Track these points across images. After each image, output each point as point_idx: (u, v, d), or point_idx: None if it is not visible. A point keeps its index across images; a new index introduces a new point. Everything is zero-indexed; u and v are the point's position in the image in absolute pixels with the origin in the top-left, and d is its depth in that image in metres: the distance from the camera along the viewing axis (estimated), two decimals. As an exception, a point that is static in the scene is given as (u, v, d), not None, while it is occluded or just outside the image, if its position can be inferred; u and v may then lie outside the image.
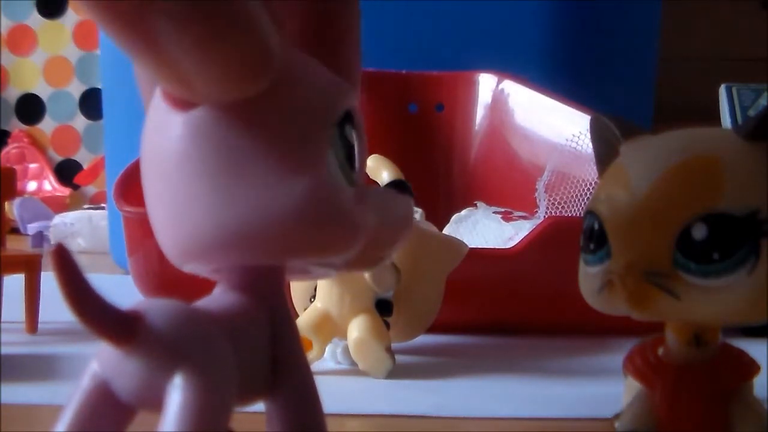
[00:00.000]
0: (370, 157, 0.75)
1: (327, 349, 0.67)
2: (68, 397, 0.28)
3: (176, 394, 0.26)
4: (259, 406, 0.32)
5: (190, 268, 0.31)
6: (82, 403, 0.28)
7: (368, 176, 0.68)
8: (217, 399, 0.27)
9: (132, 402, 0.28)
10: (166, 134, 0.30)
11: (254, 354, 0.30)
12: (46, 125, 2.07)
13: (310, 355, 0.63)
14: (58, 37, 2.06)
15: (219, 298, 0.31)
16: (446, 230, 0.94)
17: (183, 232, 0.30)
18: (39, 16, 2.07)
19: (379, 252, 0.33)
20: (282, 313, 0.32)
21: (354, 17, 0.33)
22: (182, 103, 0.29)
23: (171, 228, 0.30)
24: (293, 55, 0.31)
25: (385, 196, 0.34)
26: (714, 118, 1.03)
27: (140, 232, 0.84)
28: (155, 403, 0.27)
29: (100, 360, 0.28)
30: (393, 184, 0.35)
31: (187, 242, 0.30)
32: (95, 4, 0.25)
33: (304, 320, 0.65)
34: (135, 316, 0.27)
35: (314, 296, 0.67)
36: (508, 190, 1.06)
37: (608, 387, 0.50)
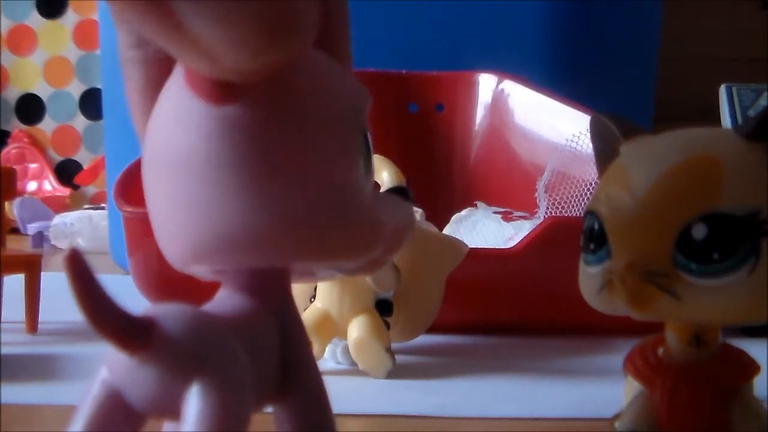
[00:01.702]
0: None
1: (327, 349, 0.67)
2: (78, 405, 0.28)
3: (195, 402, 0.26)
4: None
5: (193, 270, 0.31)
6: (94, 412, 0.27)
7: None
8: (237, 405, 0.27)
9: (146, 410, 0.27)
10: (192, 129, 0.28)
11: (265, 357, 0.30)
12: (46, 125, 2.07)
13: (310, 355, 0.63)
14: (58, 37, 2.06)
15: (226, 301, 0.31)
16: (446, 230, 0.94)
17: (202, 232, 0.29)
18: (39, 16, 2.07)
19: (387, 254, 0.33)
20: (290, 314, 0.32)
21: (344, 18, 0.33)
22: (218, 96, 0.28)
23: (185, 228, 0.29)
24: (324, 56, 0.31)
25: (390, 202, 0.34)
26: (714, 118, 1.03)
27: (140, 232, 0.84)
28: (171, 411, 0.26)
29: (110, 367, 0.27)
30: (394, 191, 0.36)
31: (206, 242, 0.29)
32: None
33: (304, 320, 0.64)
34: (149, 322, 0.27)
35: (314, 296, 0.67)
36: (508, 190, 1.06)
37: (608, 387, 0.50)
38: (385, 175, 0.71)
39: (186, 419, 0.26)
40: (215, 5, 0.25)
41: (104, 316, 0.26)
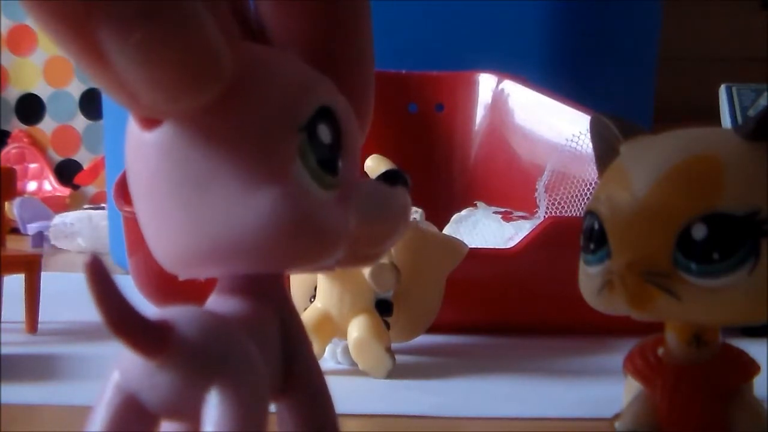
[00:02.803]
0: (370, 157, 0.75)
1: (327, 349, 0.67)
2: (91, 409, 0.27)
3: (216, 404, 0.26)
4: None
5: (185, 276, 0.31)
6: (111, 417, 0.27)
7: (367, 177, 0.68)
8: (256, 406, 0.27)
9: (162, 413, 0.27)
10: (138, 154, 0.30)
11: (272, 355, 0.30)
12: (46, 125, 2.07)
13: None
14: (58, 37, 2.06)
15: (227, 301, 0.31)
16: (446, 230, 0.94)
17: (165, 248, 0.30)
18: (39, 16, 2.07)
19: (373, 248, 0.32)
20: (289, 312, 0.32)
21: (363, 17, 0.33)
22: (147, 123, 0.29)
23: (155, 243, 0.30)
24: (254, 57, 0.30)
25: (375, 192, 0.32)
26: (714, 118, 1.03)
27: (140, 232, 0.84)
28: (188, 414, 0.26)
29: (124, 371, 0.27)
30: (386, 175, 0.33)
31: (170, 256, 0.30)
32: (38, 5, 0.25)
33: (304, 320, 0.64)
34: (166, 326, 0.27)
35: (314, 296, 0.67)
36: (508, 190, 1.06)
37: (608, 387, 0.50)
38: (385, 175, 0.71)
39: (207, 421, 0.26)
40: (139, 46, 0.26)
41: (123, 321, 0.26)
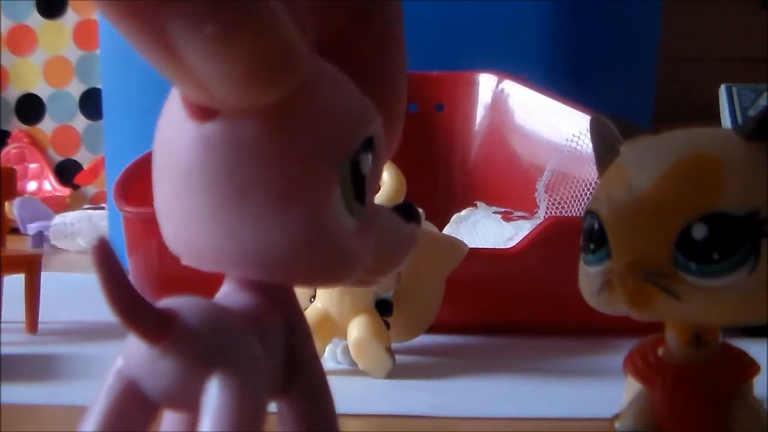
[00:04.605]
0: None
1: (327, 349, 0.67)
2: (94, 395, 0.28)
3: (215, 393, 0.26)
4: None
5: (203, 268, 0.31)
6: (111, 402, 0.27)
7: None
8: (255, 397, 0.27)
9: (163, 401, 0.27)
10: (178, 142, 0.29)
11: (274, 353, 0.30)
12: (46, 125, 2.07)
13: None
14: (58, 37, 2.06)
15: (234, 296, 0.31)
16: (446, 230, 0.94)
17: (185, 241, 0.30)
18: (39, 16, 2.07)
19: (377, 275, 0.33)
20: (294, 311, 0.32)
21: (393, 15, 0.32)
22: (199, 114, 0.28)
23: (174, 234, 0.30)
24: (318, 70, 0.30)
25: (391, 224, 0.33)
26: (714, 118, 1.03)
27: (140, 232, 0.84)
28: (188, 403, 0.26)
29: (127, 358, 0.27)
30: (402, 208, 0.34)
31: (189, 250, 0.30)
32: (108, 3, 0.25)
33: (304, 320, 0.65)
34: (171, 314, 0.27)
35: (314, 296, 0.67)
36: (508, 190, 1.06)
37: (608, 387, 0.50)
38: (385, 175, 0.71)
39: (206, 410, 0.26)
40: (213, 40, 0.25)
41: (129, 305, 0.26)
